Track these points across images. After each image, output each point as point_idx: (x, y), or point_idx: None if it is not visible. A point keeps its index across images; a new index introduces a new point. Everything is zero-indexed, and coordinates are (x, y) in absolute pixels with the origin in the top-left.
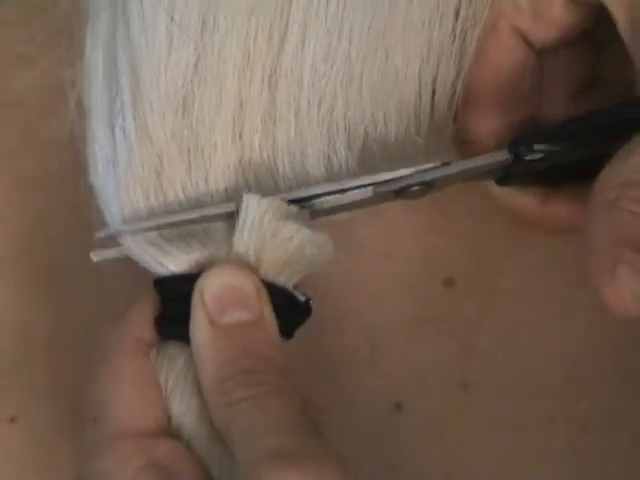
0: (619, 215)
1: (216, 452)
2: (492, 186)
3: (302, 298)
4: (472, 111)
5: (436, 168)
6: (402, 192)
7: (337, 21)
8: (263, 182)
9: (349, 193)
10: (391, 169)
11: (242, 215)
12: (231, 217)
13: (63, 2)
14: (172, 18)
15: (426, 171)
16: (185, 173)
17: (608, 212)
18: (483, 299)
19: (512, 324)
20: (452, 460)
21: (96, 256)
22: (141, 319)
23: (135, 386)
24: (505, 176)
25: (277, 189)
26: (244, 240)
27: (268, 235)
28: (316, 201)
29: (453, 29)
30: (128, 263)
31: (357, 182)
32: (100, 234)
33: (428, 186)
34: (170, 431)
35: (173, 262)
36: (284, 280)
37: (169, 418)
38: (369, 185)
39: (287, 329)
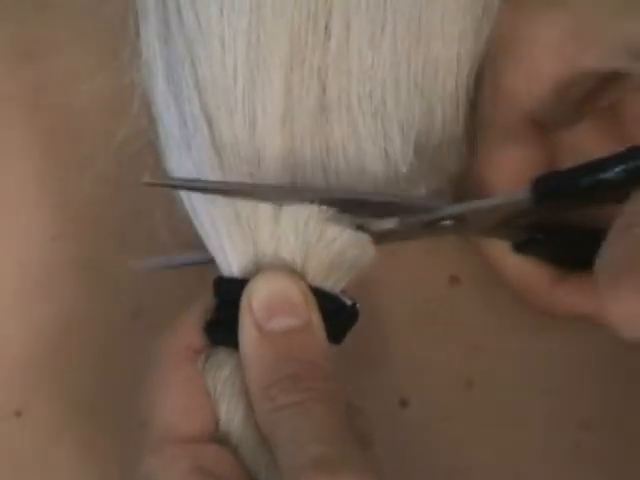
0: (631, 239)
1: (262, 458)
2: (504, 257)
3: (349, 302)
4: (497, 142)
5: (463, 203)
6: (431, 226)
7: (379, 10)
8: (314, 179)
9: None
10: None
11: (287, 220)
12: (277, 218)
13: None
14: (222, 12)
15: (455, 205)
16: (240, 166)
17: (622, 235)
18: (488, 297)
19: (516, 322)
20: (456, 456)
21: (135, 265)
22: (190, 326)
23: (183, 392)
24: (525, 242)
25: (329, 187)
26: (290, 245)
27: (313, 240)
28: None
29: (488, 19)
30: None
31: (380, 197)
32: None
33: (458, 221)
34: (217, 437)
35: (237, 263)
36: (331, 285)
37: (216, 424)
38: (389, 203)
39: (335, 334)
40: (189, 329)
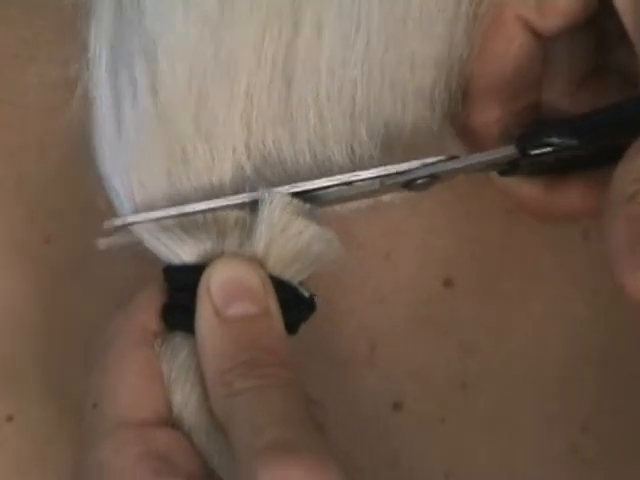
0: (637, 209)
1: (216, 443)
2: (495, 176)
3: (307, 294)
4: (475, 100)
5: (443, 161)
6: (409, 185)
7: (354, 7)
8: (279, 175)
9: (356, 185)
10: (400, 161)
11: (251, 208)
12: (241, 209)
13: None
14: (185, 10)
15: (433, 164)
16: (198, 163)
17: (626, 207)
18: (482, 300)
19: (511, 324)
20: (451, 460)
21: (102, 244)
22: (147, 307)
23: (138, 375)
24: (510, 170)
25: (295, 181)
26: (253, 233)
27: (278, 230)
28: (322, 192)
29: (467, 16)
30: (129, 259)
31: (364, 174)
32: (110, 223)
33: (434, 179)
34: (171, 421)
35: (185, 251)
36: (290, 276)
37: (170, 408)
38: (376, 178)
39: (291, 325)
40: (146, 310)
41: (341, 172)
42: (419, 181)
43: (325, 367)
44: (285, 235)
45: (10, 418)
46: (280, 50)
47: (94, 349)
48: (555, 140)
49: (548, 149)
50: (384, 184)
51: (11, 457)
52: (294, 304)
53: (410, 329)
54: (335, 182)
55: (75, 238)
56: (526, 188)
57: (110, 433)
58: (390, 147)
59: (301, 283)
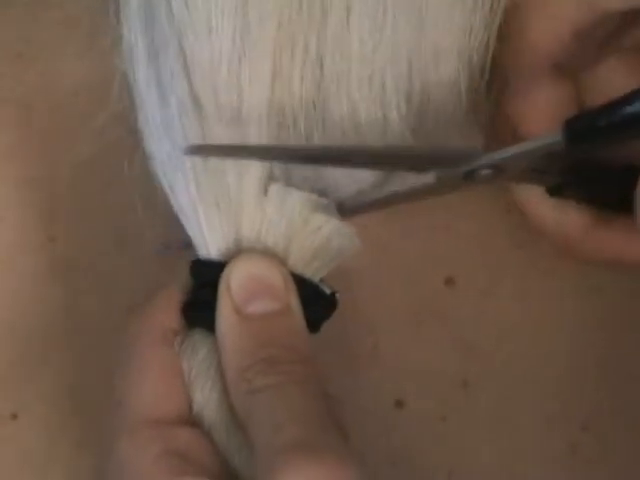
0: None
1: (236, 441)
2: (539, 203)
3: (328, 291)
4: (519, 80)
5: (500, 150)
6: (471, 176)
7: None
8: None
9: (408, 180)
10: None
11: (273, 205)
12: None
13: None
14: None
15: (490, 153)
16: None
17: None
18: (483, 298)
19: (512, 323)
20: (452, 458)
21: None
22: (167, 306)
23: (159, 373)
24: (559, 186)
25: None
26: (273, 230)
27: (297, 226)
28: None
29: (484, 6)
30: (134, 259)
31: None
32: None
33: (497, 171)
34: (191, 419)
35: (215, 245)
36: (311, 273)
37: (190, 406)
38: (431, 168)
39: (313, 322)
40: (166, 309)
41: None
42: (482, 172)
43: (327, 365)
44: (305, 231)
45: (14, 416)
46: (311, 33)
47: (98, 348)
48: (601, 123)
49: (596, 135)
50: (441, 178)
51: (15, 455)
52: (316, 301)
53: (412, 327)
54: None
55: (79, 238)
56: (570, 218)
57: (131, 431)
58: (422, 133)
59: (322, 280)
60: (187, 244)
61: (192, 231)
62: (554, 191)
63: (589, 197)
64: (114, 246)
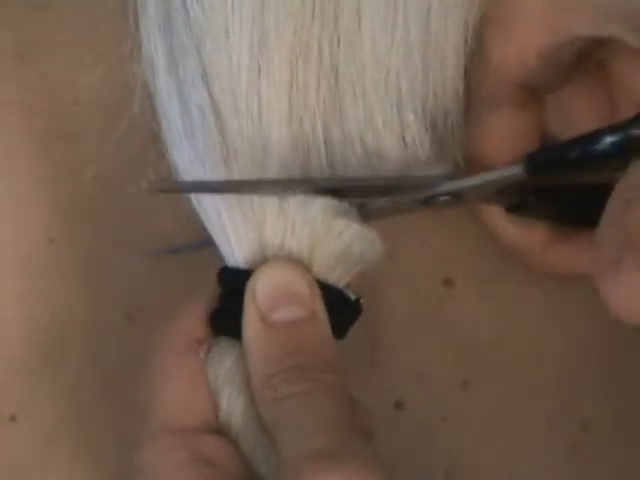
0: (631, 215)
1: (262, 449)
2: (500, 221)
3: (353, 297)
4: (484, 115)
5: (463, 179)
6: (430, 201)
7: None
8: (326, 168)
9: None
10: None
11: (296, 212)
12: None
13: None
14: (227, 2)
15: (453, 181)
16: (245, 156)
17: (621, 212)
18: (482, 299)
19: (512, 324)
20: (452, 459)
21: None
22: (191, 315)
23: (183, 381)
24: (518, 205)
25: (346, 173)
26: (297, 237)
27: (320, 232)
28: None
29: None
30: (135, 260)
31: (375, 181)
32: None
33: (456, 198)
34: (217, 428)
35: (242, 253)
36: (335, 279)
37: (216, 414)
38: (392, 190)
39: (339, 328)
40: (192, 318)
41: (392, 165)
42: (441, 198)
43: None
44: (328, 237)
45: (13, 418)
46: (324, 38)
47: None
48: (562, 159)
49: (556, 169)
50: (398, 202)
51: (13, 457)
52: (340, 307)
53: (411, 328)
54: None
55: (79, 240)
56: (530, 234)
57: (155, 438)
58: (435, 138)
59: (347, 286)
60: (178, 248)
61: (218, 239)
62: (513, 210)
63: (548, 214)
64: (114, 248)
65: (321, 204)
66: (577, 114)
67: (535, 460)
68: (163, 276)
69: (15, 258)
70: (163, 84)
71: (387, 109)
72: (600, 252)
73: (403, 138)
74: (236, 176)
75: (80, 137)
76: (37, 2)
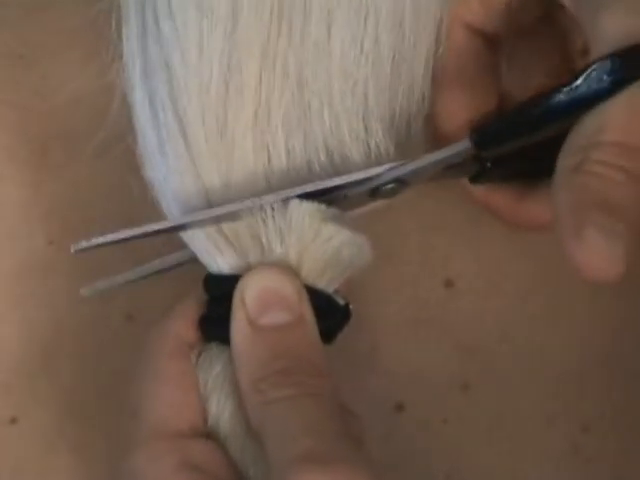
0: (583, 178)
1: (251, 453)
2: (468, 184)
3: (342, 302)
4: (439, 102)
5: (405, 164)
6: (376, 192)
7: (362, 4)
8: (291, 176)
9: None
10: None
11: (282, 217)
12: (257, 214)
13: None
14: (202, 9)
15: (396, 167)
16: (218, 170)
17: (572, 177)
18: (483, 300)
19: (512, 325)
20: (453, 461)
21: (87, 291)
22: (183, 319)
23: (174, 386)
24: (478, 173)
25: (310, 180)
26: (285, 243)
27: (309, 238)
28: None
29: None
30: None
31: (324, 185)
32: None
33: (401, 184)
34: (206, 432)
35: (221, 261)
36: (324, 284)
37: (206, 419)
38: (341, 188)
39: (327, 334)
40: (183, 322)
41: (356, 170)
42: (385, 187)
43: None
44: (316, 242)
45: (14, 420)
46: (291, 51)
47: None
48: (504, 127)
49: (501, 139)
50: (349, 195)
51: (13, 459)
52: (329, 312)
53: (411, 330)
54: (296, 193)
55: (78, 240)
56: (497, 198)
57: (145, 443)
58: (400, 142)
59: (336, 291)
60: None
61: (201, 247)
62: (475, 179)
63: (508, 176)
64: (112, 249)
65: (309, 208)
66: (529, 73)
67: (536, 462)
68: (162, 277)
69: (14, 260)
70: (138, 97)
71: (353, 118)
72: (559, 218)
73: (368, 145)
74: (204, 191)
75: (80, 138)
76: (37, 3)
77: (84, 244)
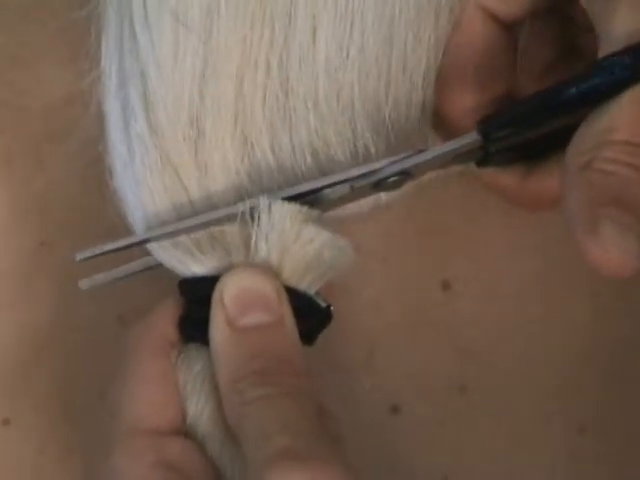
0: (594, 177)
1: (228, 453)
2: (473, 168)
3: (323, 304)
4: (448, 91)
5: (410, 156)
6: (380, 185)
7: (348, 10)
8: (277, 180)
9: (325, 192)
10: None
11: (263, 219)
12: (240, 219)
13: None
14: (177, 17)
15: (401, 160)
16: (196, 175)
17: (583, 175)
18: (479, 302)
19: (509, 327)
20: (449, 463)
21: (85, 284)
22: (165, 318)
23: (154, 384)
24: (484, 158)
25: (297, 184)
26: (266, 244)
27: (290, 239)
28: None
29: (447, 23)
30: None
31: (331, 179)
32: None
33: (405, 175)
34: (184, 431)
35: (198, 264)
36: (305, 286)
37: (184, 418)
38: (345, 181)
39: (307, 335)
40: (165, 321)
41: (342, 170)
42: (390, 180)
43: (323, 371)
44: (297, 244)
45: (7, 422)
46: (274, 56)
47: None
48: (513, 121)
49: (509, 131)
50: (354, 187)
51: (6, 460)
52: (310, 314)
53: (408, 332)
54: (301, 191)
55: (71, 242)
56: (503, 178)
57: (124, 440)
58: (390, 143)
59: (317, 293)
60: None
61: (181, 249)
62: (481, 164)
63: (514, 158)
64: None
65: (290, 210)
66: (538, 62)
67: (533, 463)
68: (153, 277)
69: (6, 261)
70: (111, 107)
71: (339, 121)
72: (572, 216)
73: (355, 146)
74: (183, 199)
75: (73, 138)
76: (31, 6)
77: (88, 253)
